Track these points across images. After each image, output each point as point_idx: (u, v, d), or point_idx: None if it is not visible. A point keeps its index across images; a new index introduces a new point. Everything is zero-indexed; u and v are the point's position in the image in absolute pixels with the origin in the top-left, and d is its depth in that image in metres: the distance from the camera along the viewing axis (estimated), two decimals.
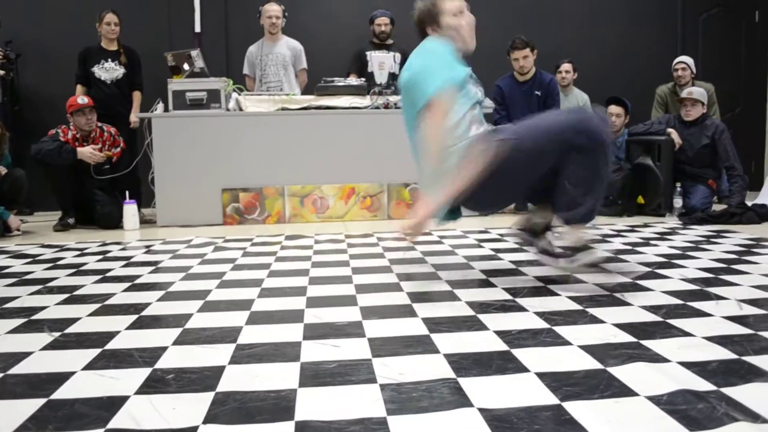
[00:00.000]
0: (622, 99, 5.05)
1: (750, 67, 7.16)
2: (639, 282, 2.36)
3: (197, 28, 6.15)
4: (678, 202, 4.58)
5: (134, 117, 5.07)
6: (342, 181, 4.61)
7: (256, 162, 4.55)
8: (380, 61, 5.40)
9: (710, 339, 1.66)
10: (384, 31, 5.58)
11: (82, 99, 4.48)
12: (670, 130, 4.71)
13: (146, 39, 5.70)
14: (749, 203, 4.42)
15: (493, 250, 3.18)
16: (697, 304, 2.02)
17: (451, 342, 1.68)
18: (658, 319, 1.86)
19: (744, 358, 1.51)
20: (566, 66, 5.84)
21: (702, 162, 4.71)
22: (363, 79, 5.06)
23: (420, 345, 1.66)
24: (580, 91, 5.94)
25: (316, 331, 1.80)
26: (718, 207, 4.59)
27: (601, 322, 1.84)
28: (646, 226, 4.05)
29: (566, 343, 1.66)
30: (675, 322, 1.83)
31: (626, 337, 1.69)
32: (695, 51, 6.70)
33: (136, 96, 5.21)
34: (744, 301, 2.06)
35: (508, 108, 4.95)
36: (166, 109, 4.61)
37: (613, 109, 5.03)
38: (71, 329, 1.88)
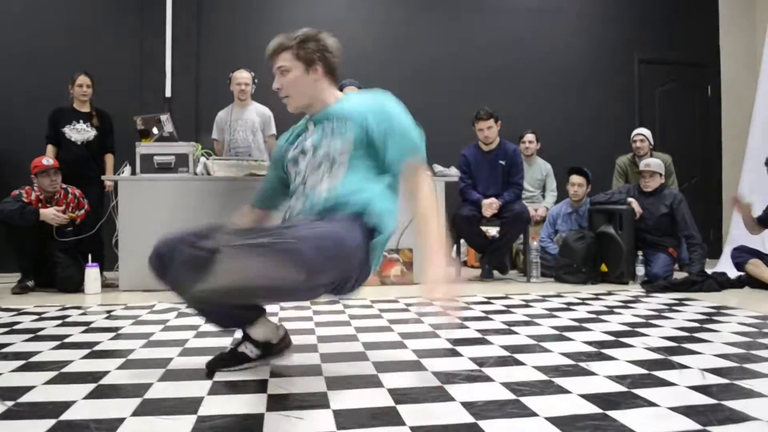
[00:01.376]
0: (583, 169, 5.20)
1: (704, 138, 7.46)
2: (604, 351, 2.38)
3: (168, 93, 6.21)
4: (640, 270, 4.66)
5: (108, 180, 5.04)
6: None
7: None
8: None
9: (675, 409, 1.67)
10: None
11: (47, 160, 4.45)
12: (630, 199, 4.84)
13: (117, 102, 5.71)
14: (709, 271, 4.52)
15: (459, 318, 3.18)
16: (661, 374, 2.04)
17: (417, 413, 1.66)
18: (624, 389, 1.87)
19: (708, 428, 1.52)
20: (530, 136, 6.02)
21: (662, 230, 4.83)
22: None
23: (385, 417, 1.64)
24: (543, 161, 6.11)
25: (279, 403, 1.77)
26: (679, 275, 4.68)
27: (567, 392, 1.84)
28: (609, 294, 4.10)
29: (532, 414, 1.65)
30: (640, 391, 1.84)
31: (592, 408, 1.69)
32: (652, 123, 6.98)
33: (109, 159, 5.20)
34: (707, 369, 2.08)
35: (473, 177, 5.04)
36: (133, 172, 4.59)
37: (575, 179, 5.18)
38: (25, 398, 1.82)
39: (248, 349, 2.14)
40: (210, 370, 2.11)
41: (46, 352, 2.44)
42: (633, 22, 7.27)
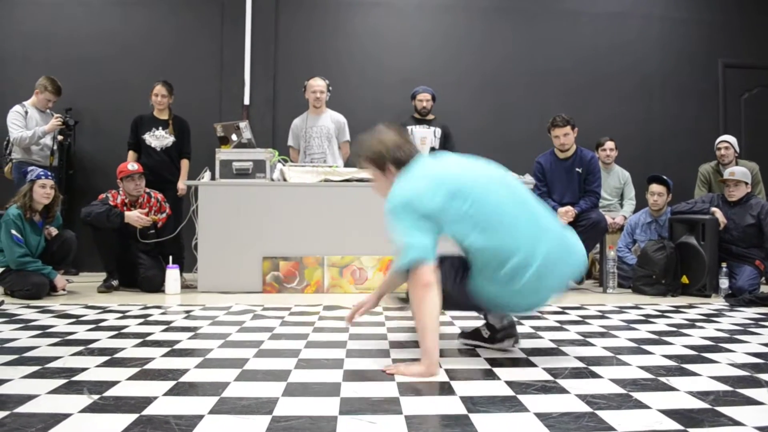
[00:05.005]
0: (663, 178, 5.03)
1: None
2: (685, 366, 2.29)
3: (246, 101, 6.39)
4: (724, 282, 4.47)
5: (182, 184, 5.25)
6: (381, 252, 4.62)
7: (298, 231, 4.61)
8: (422, 136, 5.50)
9: (762, 429, 1.59)
10: (425, 107, 5.70)
11: (132, 165, 4.64)
12: (714, 209, 4.65)
13: (198, 110, 5.94)
14: None
15: (533, 328, 3.13)
16: (747, 391, 1.95)
17: (490, 423, 1.64)
18: (706, 406, 1.80)
19: None
20: (610, 144, 5.87)
21: (748, 242, 4.62)
22: None
23: (458, 425, 1.63)
24: (621, 169, 5.95)
25: (352, 406, 1.78)
26: (766, 288, 4.47)
27: (646, 407, 1.78)
28: (691, 307, 3.95)
29: (609, 428, 1.60)
30: (724, 409, 1.76)
31: (672, 425, 1.63)
32: (738, 130, 6.68)
33: (184, 164, 5.41)
34: None
35: (549, 184, 4.96)
36: (213, 178, 4.74)
37: (655, 187, 5.02)
38: (110, 392, 1.90)
39: (483, 331, 2.60)
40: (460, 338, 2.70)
41: (129, 349, 2.54)
42: (717, 25, 6.99)
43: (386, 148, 2.38)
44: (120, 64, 6.32)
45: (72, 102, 5.98)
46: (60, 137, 5.60)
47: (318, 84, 5.46)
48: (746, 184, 4.69)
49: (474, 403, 1.81)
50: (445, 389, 1.97)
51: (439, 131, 5.70)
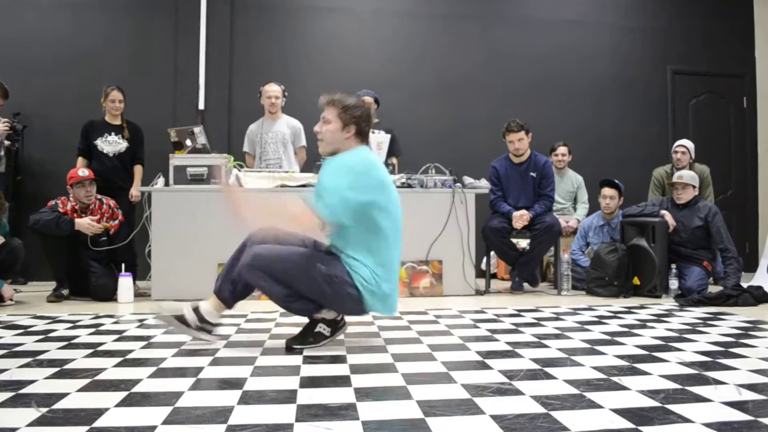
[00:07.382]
0: (615, 181, 5.15)
1: (740, 150, 7.34)
2: (636, 365, 2.34)
3: (201, 106, 6.31)
4: (674, 283, 4.59)
5: (135, 191, 5.14)
6: None
7: None
8: (379, 141, 5.49)
9: (710, 425, 1.64)
10: None
11: (83, 171, 4.53)
12: (663, 212, 4.77)
13: (151, 114, 5.83)
14: (745, 285, 4.42)
15: (489, 330, 3.16)
16: (695, 389, 2.00)
17: (446, 426, 1.65)
18: (657, 404, 1.84)
19: None
20: (562, 149, 5.98)
21: (696, 243, 4.75)
22: None
23: (414, 429, 1.63)
24: (574, 173, 6.06)
25: (308, 413, 1.77)
26: (713, 288, 4.60)
27: (599, 407, 1.81)
28: (642, 307, 4.04)
29: (563, 428, 1.63)
30: (674, 407, 1.80)
31: (624, 423, 1.66)
32: (686, 134, 6.88)
33: (138, 170, 5.29)
34: (743, 385, 2.04)
35: (504, 189, 5.02)
36: (166, 184, 4.66)
37: (607, 191, 5.13)
38: (59, 405, 1.85)
39: (323, 329, 2.71)
40: (289, 347, 2.65)
41: (79, 359, 2.48)
42: (666, 33, 7.19)
43: (365, 114, 2.70)
44: (70, 68, 6.16)
45: (20, 106, 5.80)
46: (7, 142, 5.44)
47: (273, 89, 5.42)
48: (693, 187, 4.83)
49: (431, 407, 1.82)
50: (402, 393, 1.97)
51: (383, 133, 5.69)
